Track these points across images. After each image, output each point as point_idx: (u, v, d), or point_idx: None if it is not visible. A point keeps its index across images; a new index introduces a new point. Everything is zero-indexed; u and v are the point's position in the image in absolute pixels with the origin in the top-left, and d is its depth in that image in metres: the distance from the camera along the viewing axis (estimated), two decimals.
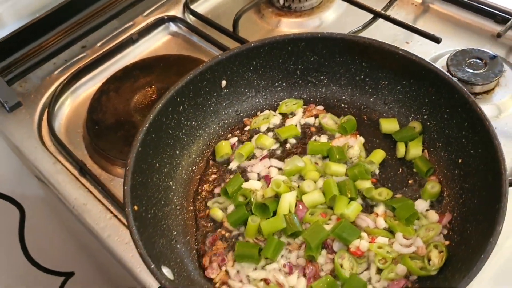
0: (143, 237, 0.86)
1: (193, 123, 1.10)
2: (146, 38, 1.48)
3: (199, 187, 1.06)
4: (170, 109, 1.03)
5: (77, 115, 1.34)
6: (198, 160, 1.10)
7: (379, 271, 0.91)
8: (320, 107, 1.14)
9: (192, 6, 1.51)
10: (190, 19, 1.50)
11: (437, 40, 1.23)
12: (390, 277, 0.89)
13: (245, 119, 1.15)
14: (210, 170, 1.09)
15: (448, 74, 0.97)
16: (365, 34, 1.33)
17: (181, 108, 1.06)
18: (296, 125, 1.12)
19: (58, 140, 1.24)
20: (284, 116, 1.15)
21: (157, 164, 1.02)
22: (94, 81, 1.40)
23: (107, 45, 1.45)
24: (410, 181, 1.02)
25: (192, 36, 1.46)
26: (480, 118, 0.91)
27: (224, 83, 1.11)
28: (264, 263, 0.94)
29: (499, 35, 1.22)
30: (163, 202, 1.00)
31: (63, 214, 1.33)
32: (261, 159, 1.08)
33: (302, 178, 1.04)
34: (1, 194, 1.45)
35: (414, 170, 1.03)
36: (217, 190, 1.06)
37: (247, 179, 1.05)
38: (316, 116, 1.13)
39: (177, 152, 1.07)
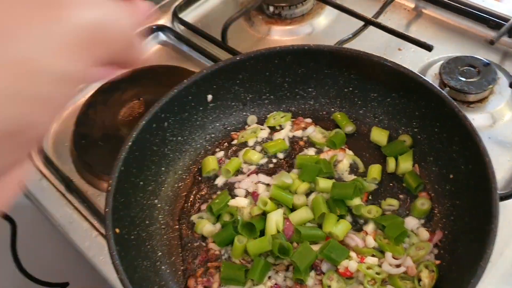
0: (124, 262, 0.83)
1: (179, 138, 1.07)
2: None
3: (185, 204, 1.04)
4: (154, 125, 1.01)
5: (65, 128, 1.31)
6: (184, 176, 1.07)
7: None
8: (309, 120, 1.11)
9: (181, 15, 1.48)
10: (179, 28, 1.48)
11: (429, 48, 1.20)
12: None
13: (232, 133, 1.12)
14: (196, 186, 1.06)
15: (437, 87, 0.95)
16: (356, 41, 1.30)
17: (166, 124, 1.03)
18: (284, 138, 1.09)
19: (45, 155, 1.22)
20: (272, 129, 1.12)
21: (141, 183, 0.99)
22: (82, 93, 1.37)
23: None
24: (401, 196, 0.99)
25: (182, 45, 1.44)
26: (470, 133, 0.88)
27: (210, 97, 1.08)
28: (250, 285, 0.92)
29: (492, 42, 1.19)
30: (147, 222, 0.98)
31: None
32: (248, 175, 1.05)
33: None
34: None
35: (404, 184, 1.00)
36: (203, 207, 1.03)
37: (234, 196, 1.03)
38: (305, 129, 1.10)
39: (162, 168, 1.05)
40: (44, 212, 1.17)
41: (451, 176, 0.95)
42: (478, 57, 1.19)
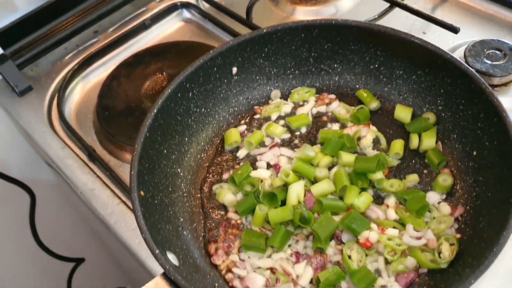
0: (148, 223, 0.84)
1: (203, 110, 1.08)
2: (159, 24, 1.47)
3: (207, 175, 1.05)
4: (179, 95, 1.02)
5: (88, 100, 1.33)
6: (206, 148, 1.08)
7: (388, 263, 0.89)
8: (333, 96, 1.11)
9: None
10: (204, 5, 1.48)
11: (455, 30, 1.20)
12: (399, 270, 0.87)
13: (255, 107, 1.13)
14: (218, 158, 1.07)
15: (465, 64, 0.94)
16: (381, 23, 1.30)
17: (190, 94, 1.04)
18: (307, 113, 1.10)
19: (68, 125, 1.24)
20: (296, 104, 1.12)
21: (165, 151, 1.00)
22: (105, 67, 1.39)
23: (120, 31, 1.44)
24: (424, 172, 1.00)
25: (205, 22, 1.45)
26: (497, 110, 0.88)
27: (235, 69, 1.09)
28: (270, 252, 0.93)
29: None
30: (170, 189, 0.99)
31: (73, 199, 1.33)
32: (270, 148, 1.06)
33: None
34: (12, 178, 1.45)
35: (427, 161, 1.00)
36: (225, 176, 1.04)
37: (256, 168, 1.03)
38: (329, 104, 1.10)
39: (186, 139, 1.05)
40: (66, 179, 1.18)
41: (475, 153, 0.95)
42: (505, 40, 1.18)
